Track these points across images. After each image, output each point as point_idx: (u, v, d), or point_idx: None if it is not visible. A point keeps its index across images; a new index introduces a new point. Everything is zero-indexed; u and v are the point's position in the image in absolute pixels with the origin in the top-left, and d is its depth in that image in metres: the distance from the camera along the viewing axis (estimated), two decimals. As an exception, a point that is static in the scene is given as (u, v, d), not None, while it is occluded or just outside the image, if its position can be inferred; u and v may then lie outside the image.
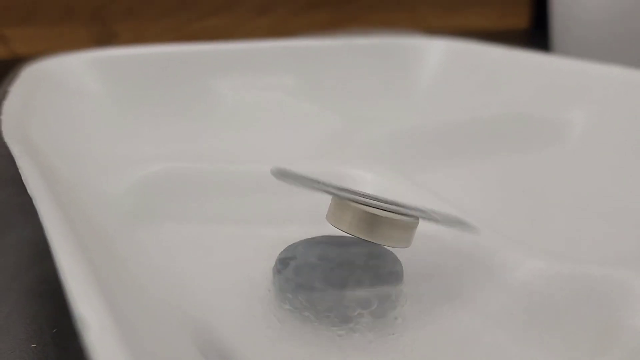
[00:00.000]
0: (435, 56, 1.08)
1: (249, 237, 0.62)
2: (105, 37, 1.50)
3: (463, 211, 0.61)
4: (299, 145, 0.83)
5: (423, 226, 0.55)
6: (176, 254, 0.58)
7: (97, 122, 0.83)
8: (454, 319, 0.51)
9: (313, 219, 0.59)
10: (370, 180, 0.70)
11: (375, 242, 0.52)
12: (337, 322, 0.50)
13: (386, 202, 0.56)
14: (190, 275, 0.54)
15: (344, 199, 0.52)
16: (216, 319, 0.49)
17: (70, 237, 0.39)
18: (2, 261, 0.62)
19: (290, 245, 0.55)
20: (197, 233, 0.62)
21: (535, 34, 1.87)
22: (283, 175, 0.55)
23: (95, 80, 0.90)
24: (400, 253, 0.55)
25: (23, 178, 0.49)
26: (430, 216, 0.53)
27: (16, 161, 0.52)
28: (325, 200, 0.57)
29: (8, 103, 0.69)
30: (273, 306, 0.51)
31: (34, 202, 0.43)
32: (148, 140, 0.82)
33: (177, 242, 0.60)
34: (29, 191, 0.45)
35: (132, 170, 0.66)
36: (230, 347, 0.45)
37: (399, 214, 0.53)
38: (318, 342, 0.49)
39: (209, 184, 0.67)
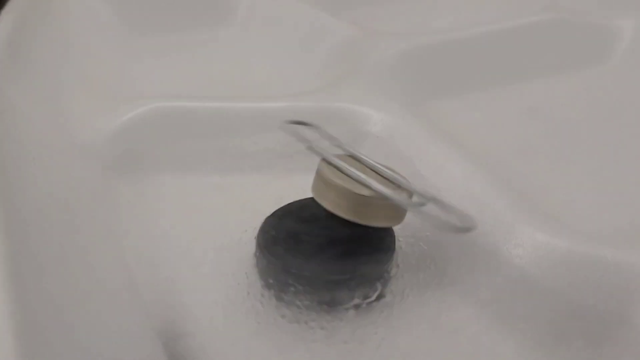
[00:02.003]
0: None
1: (234, 193, 0.59)
2: None
3: (475, 163, 0.57)
4: (306, 72, 0.77)
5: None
6: (155, 217, 0.56)
7: (93, 48, 0.78)
8: (443, 306, 0.49)
9: (308, 168, 0.54)
10: (378, 121, 0.65)
11: (361, 223, 0.48)
12: (321, 310, 0.48)
13: (382, 172, 0.51)
14: (166, 249, 0.53)
15: (330, 178, 0.48)
16: (192, 313, 0.48)
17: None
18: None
19: (275, 216, 0.52)
20: (180, 188, 0.59)
21: None
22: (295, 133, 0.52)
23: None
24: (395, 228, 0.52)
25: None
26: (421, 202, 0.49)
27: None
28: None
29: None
30: (253, 295, 0.49)
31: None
32: (142, 72, 0.77)
33: (157, 200, 0.57)
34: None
35: (117, 112, 0.62)
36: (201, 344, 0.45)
37: (391, 189, 0.49)
38: (302, 332, 0.47)
39: (199, 124, 0.63)
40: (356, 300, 0.48)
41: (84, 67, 0.72)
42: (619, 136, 0.69)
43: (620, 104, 0.76)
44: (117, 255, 0.51)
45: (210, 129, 0.64)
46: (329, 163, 0.50)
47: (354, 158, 0.53)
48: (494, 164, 0.61)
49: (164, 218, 0.56)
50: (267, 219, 0.52)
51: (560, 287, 0.47)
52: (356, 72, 0.73)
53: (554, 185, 0.61)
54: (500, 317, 0.47)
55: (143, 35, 0.84)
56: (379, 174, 0.51)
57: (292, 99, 0.65)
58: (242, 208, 0.57)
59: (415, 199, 0.50)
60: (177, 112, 0.63)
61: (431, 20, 0.88)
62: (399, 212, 0.49)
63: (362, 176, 0.48)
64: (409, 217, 0.50)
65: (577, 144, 0.68)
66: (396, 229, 0.52)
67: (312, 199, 0.50)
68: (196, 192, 0.59)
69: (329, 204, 0.48)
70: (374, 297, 0.48)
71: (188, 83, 0.74)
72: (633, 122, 0.71)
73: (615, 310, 0.46)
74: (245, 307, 0.48)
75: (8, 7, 0.71)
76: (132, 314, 0.46)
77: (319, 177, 0.49)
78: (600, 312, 0.46)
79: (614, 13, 0.85)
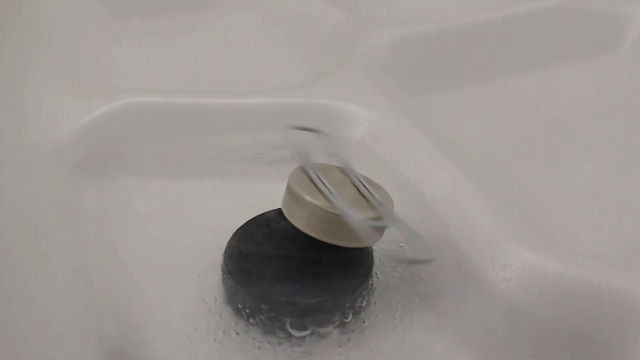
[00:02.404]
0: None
1: (205, 199, 0.55)
2: None
3: (461, 169, 0.53)
4: (293, 61, 0.73)
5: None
6: (120, 223, 0.52)
7: (64, 33, 0.73)
8: (417, 331, 0.45)
9: (287, 174, 0.51)
10: (364, 120, 0.60)
11: (334, 244, 0.44)
12: (286, 334, 0.45)
13: (362, 190, 0.47)
14: (129, 258, 0.49)
15: (299, 195, 0.44)
16: (150, 328, 0.44)
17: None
18: None
19: (244, 231, 0.48)
20: (149, 193, 0.55)
21: None
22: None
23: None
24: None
25: None
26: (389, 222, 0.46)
27: None
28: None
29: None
30: (216, 313, 0.46)
31: None
32: (118, 60, 0.72)
33: (124, 206, 0.54)
34: None
35: (86, 109, 0.58)
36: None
37: (357, 207, 0.45)
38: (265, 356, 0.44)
39: (173, 122, 0.58)
40: (326, 326, 0.44)
41: (53, 54, 0.68)
42: (628, 136, 0.65)
43: (630, 99, 0.71)
44: (77, 262, 0.48)
45: (185, 127, 0.60)
46: (304, 172, 0.46)
47: (342, 171, 0.49)
48: (487, 169, 0.57)
49: (129, 225, 0.53)
50: (235, 233, 0.48)
51: (549, 316, 0.44)
52: (346, 64, 0.68)
53: (551, 194, 0.57)
54: (480, 345, 0.44)
55: (121, 18, 0.79)
56: (359, 191, 0.47)
57: (273, 94, 0.61)
58: (213, 216, 0.53)
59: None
60: (150, 108, 0.59)
61: (430, 8, 0.83)
62: (375, 232, 0.45)
63: (329, 191, 0.44)
64: (388, 235, 0.47)
65: (580, 145, 0.64)
66: (375, 246, 0.48)
67: (285, 210, 0.47)
68: (165, 197, 0.56)
69: (300, 223, 0.44)
70: (346, 320, 0.45)
71: (166, 73, 0.70)
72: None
73: (607, 343, 0.42)
74: (207, 325, 0.45)
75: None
76: (85, 328, 0.43)
77: (289, 192, 0.45)
78: (590, 344, 0.42)
79: (622, 0, 0.80)
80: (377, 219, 0.44)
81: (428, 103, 0.69)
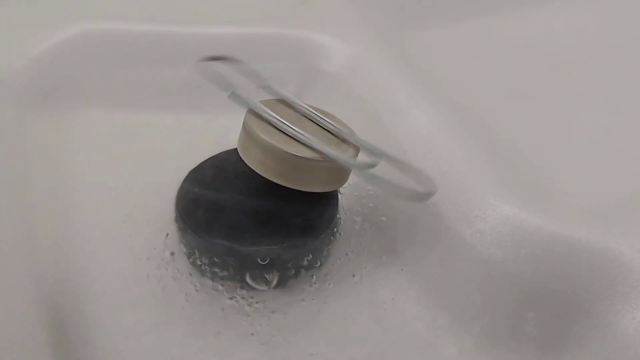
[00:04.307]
0: None
1: (165, 134, 0.51)
2: None
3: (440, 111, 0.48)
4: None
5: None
6: (73, 160, 0.48)
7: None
8: (380, 282, 0.42)
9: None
10: (338, 51, 0.56)
11: (296, 188, 0.41)
12: (243, 285, 0.41)
13: (322, 123, 0.43)
14: (79, 198, 0.46)
15: (254, 133, 0.40)
16: (93, 277, 0.41)
17: None
18: None
19: (198, 172, 0.45)
20: (105, 127, 0.51)
21: None
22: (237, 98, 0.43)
23: None
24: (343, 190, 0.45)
25: None
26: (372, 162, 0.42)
27: None
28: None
29: None
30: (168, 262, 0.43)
31: None
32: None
33: (78, 141, 0.49)
34: None
35: (39, 37, 0.53)
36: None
37: (334, 145, 0.41)
38: (221, 303, 0.41)
39: (133, 51, 0.54)
40: (286, 273, 0.41)
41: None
42: (631, 84, 0.60)
43: (632, 41, 0.66)
44: (20, 203, 0.45)
45: (148, 57, 0.55)
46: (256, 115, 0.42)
47: (285, 104, 0.44)
48: (472, 113, 0.52)
49: (83, 162, 0.49)
50: (189, 174, 0.45)
51: (523, 272, 0.40)
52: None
53: (539, 143, 0.52)
54: (446, 303, 0.41)
55: None
56: (319, 125, 0.43)
57: (244, 24, 0.56)
58: (172, 152, 0.50)
59: (362, 156, 0.42)
60: (109, 36, 0.55)
61: None
62: (341, 174, 0.42)
63: (300, 132, 0.40)
64: (353, 180, 0.43)
65: (579, 90, 0.59)
66: (341, 190, 0.45)
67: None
68: (122, 131, 0.52)
69: (257, 165, 0.40)
70: (305, 269, 0.42)
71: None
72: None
73: (582, 304, 0.39)
74: (156, 274, 0.42)
75: None
76: (23, 274, 0.40)
77: (245, 130, 0.41)
78: (565, 305, 0.39)
79: None
80: (355, 156, 0.41)
81: (417, 38, 0.64)
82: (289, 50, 0.55)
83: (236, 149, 0.45)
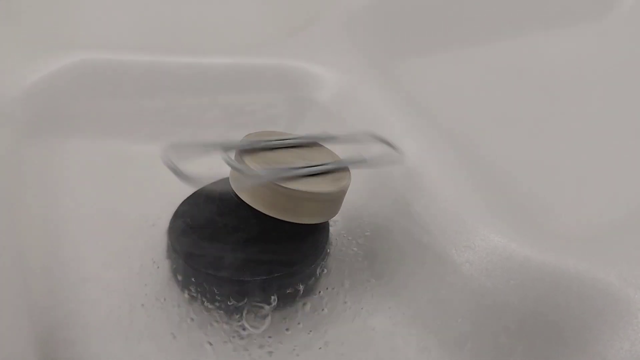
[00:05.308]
0: None
1: (158, 165, 0.52)
2: None
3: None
4: (261, 14, 0.68)
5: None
6: (66, 190, 0.49)
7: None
8: (368, 312, 0.42)
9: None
10: (330, 79, 0.56)
11: (287, 220, 0.41)
12: (232, 312, 0.42)
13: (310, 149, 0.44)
14: (71, 229, 0.46)
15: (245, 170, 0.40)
16: (85, 306, 0.41)
17: None
18: None
19: (192, 200, 0.45)
20: (99, 157, 0.51)
21: None
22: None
23: None
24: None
25: None
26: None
27: None
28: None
29: None
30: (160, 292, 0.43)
31: None
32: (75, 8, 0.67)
33: (72, 171, 0.49)
34: None
35: (36, 65, 0.54)
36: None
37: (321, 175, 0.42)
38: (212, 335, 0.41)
39: (129, 82, 0.54)
40: (274, 302, 0.41)
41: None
42: (616, 108, 0.61)
43: (621, 68, 0.67)
44: (12, 228, 0.45)
45: (141, 88, 0.56)
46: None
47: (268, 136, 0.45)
48: (462, 140, 0.53)
49: (76, 191, 0.49)
50: (181, 205, 0.45)
51: (512, 302, 0.41)
52: (317, 19, 0.64)
53: (528, 169, 0.53)
54: (436, 331, 0.41)
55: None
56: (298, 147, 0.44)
57: (232, 54, 0.57)
58: (164, 182, 0.49)
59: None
60: (101, 66, 0.55)
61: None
62: (331, 207, 0.42)
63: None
64: (345, 210, 0.43)
65: (567, 116, 0.60)
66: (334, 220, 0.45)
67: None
68: (115, 161, 0.52)
69: (249, 197, 0.41)
70: (296, 296, 0.42)
71: (122, 27, 0.64)
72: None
73: (572, 334, 0.39)
74: (147, 304, 0.42)
75: None
76: (13, 299, 0.40)
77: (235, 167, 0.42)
78: (555, 334, 0.39)
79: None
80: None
81: (407, 66, 0.65)
82: (281, 79, 0.55)
83: (228, 179, 0.45)
